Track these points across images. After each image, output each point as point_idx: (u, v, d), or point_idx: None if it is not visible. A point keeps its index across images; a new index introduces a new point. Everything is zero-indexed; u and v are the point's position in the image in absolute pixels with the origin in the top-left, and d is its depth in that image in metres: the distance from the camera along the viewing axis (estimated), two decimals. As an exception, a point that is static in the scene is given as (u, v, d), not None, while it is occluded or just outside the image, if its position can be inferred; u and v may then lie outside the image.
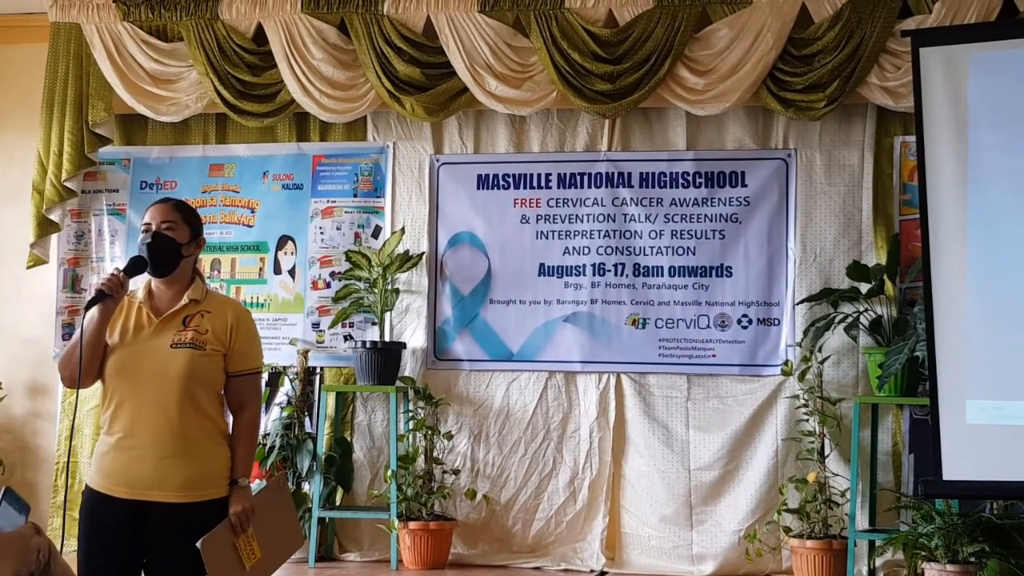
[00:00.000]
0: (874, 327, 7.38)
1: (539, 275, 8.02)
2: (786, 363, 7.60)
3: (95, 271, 8.51)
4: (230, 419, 4.27)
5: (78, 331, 4.09)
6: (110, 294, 4.08)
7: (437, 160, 8.20)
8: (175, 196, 8.30)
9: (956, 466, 6.28)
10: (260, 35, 8.13)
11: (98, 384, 4.22)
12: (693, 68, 7.62)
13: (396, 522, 7.59)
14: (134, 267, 4.19)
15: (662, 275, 7.86)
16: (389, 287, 7.98)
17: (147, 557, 4.06)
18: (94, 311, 4.08)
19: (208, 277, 8.39)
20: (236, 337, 4.18)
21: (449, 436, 7.89)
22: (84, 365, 4.07)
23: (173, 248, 4.17)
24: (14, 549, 2.88)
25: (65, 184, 8.26)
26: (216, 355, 4.15)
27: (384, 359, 7.83)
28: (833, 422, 7.38)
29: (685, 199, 7.86)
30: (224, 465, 4.15)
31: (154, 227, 4.19)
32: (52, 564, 3.13)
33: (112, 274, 4.12)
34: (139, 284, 4.31)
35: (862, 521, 7.33)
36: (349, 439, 8.13)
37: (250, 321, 4.29)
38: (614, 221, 7.94)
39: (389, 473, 7.71)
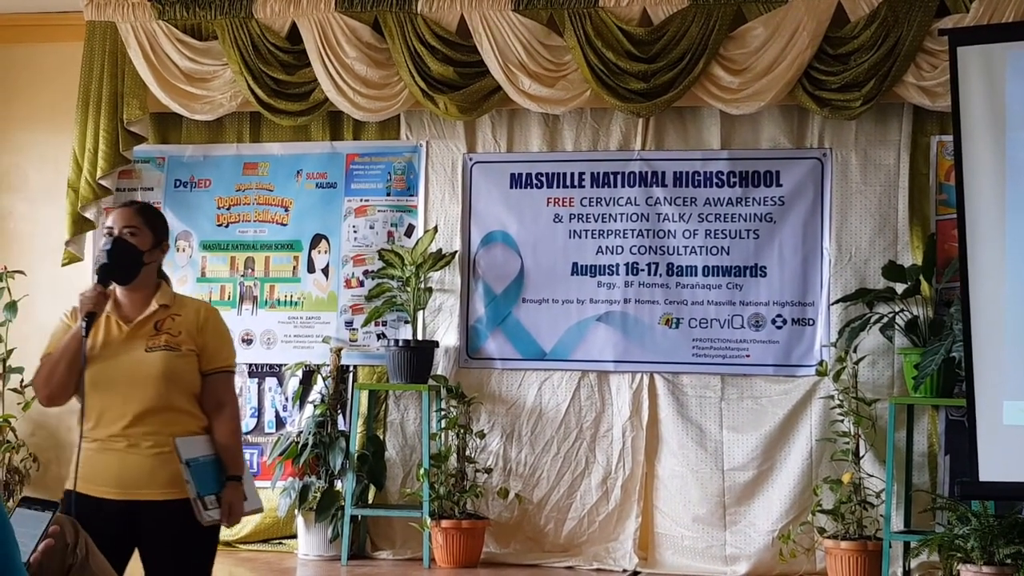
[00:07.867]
0: (910, 328, 7.33)
1: (572, 274, 8.00)
2: (821, 363, 7.56)
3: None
4: None
5: (57, 349, 4.04)
6: (95, 311, 4.02)
7: (470, 159, 8.20)
8: (208, 193, 8.50)
9: (992, 467, 6.25)
10: (294, 34, 8.15)
11: None
12: (728, 67, 7.59)
13: (428, 520, 7.60)
14: (105, 276, 4.09)
15: (696, 275, 7.83)
16: (422, 286, 7.98)
17: (143, 556, 4.04)
18: (80, 328, 4.00)
19: (241, 275, 8.43)
20: (207, 334, 4.14)
21: (481, 435, 7.89)
22: (63, 381, 4.03)
23: (134, 254, 4.08)
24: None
25: (100, 182, 8.29)
26: (191, 355, 4.09)
27: (417, 358, 7.83)
28: (868, 423, 7.33)
29: (719, 198, 7.83)
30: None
31: (116, 231, 4.10)
32: (89, 559, 3.13)
33: (97, 291, 4.04)
34: None
35: (897, 522, 7.29)
36: (382, 437, 8.14)
37: (220, 319, 4.24)
38: (648, 220, 7.91)
39: (421, 471, 7.72)
